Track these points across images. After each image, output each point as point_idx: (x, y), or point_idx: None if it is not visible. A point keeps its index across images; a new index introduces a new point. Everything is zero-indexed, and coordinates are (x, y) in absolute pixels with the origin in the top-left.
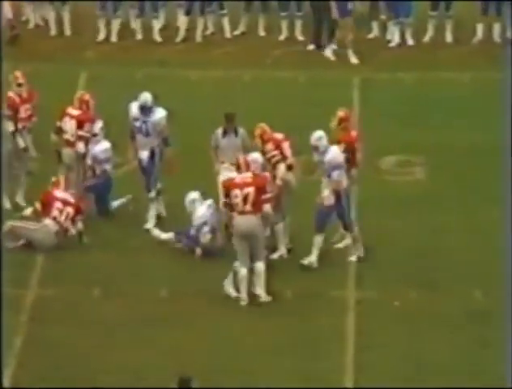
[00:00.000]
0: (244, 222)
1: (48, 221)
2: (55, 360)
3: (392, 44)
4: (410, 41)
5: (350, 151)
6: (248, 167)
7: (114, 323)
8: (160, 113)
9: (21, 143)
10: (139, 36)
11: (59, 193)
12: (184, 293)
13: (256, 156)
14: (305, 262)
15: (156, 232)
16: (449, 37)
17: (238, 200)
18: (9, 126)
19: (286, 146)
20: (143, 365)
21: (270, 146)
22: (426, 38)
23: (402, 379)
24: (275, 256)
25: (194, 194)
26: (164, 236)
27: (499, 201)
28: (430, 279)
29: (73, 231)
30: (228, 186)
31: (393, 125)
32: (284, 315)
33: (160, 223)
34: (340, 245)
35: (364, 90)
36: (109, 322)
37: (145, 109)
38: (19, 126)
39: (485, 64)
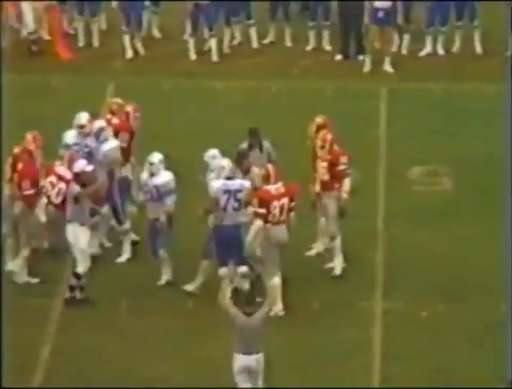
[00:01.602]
0: (279, 232)
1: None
2: (82, 370)
3: (422, 54)
4: (441, 51)
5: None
6: (277, 177)
7: (141, 334)
8: (111, 144)
9: None
10: (193, 57)
11: (61, 169)
12: (210, 305)
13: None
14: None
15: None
16: (478, 48)
17: (276, 211)
18: None
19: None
20: (169, 375)
21: (344, 159)
22: (454, 48)
23: None
24: (337, 272)
25: (214, 151)
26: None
27: None
28: (457, 289)
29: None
30: (267, 198)
31: (421, 135)
32: (311, 326)
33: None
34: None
35: (392, 100)
36: (136, 333)
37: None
38: None
39: None
